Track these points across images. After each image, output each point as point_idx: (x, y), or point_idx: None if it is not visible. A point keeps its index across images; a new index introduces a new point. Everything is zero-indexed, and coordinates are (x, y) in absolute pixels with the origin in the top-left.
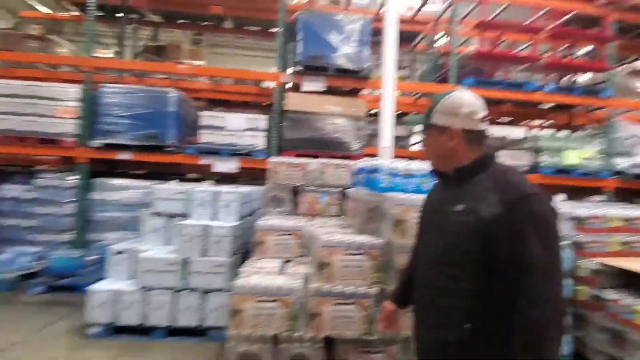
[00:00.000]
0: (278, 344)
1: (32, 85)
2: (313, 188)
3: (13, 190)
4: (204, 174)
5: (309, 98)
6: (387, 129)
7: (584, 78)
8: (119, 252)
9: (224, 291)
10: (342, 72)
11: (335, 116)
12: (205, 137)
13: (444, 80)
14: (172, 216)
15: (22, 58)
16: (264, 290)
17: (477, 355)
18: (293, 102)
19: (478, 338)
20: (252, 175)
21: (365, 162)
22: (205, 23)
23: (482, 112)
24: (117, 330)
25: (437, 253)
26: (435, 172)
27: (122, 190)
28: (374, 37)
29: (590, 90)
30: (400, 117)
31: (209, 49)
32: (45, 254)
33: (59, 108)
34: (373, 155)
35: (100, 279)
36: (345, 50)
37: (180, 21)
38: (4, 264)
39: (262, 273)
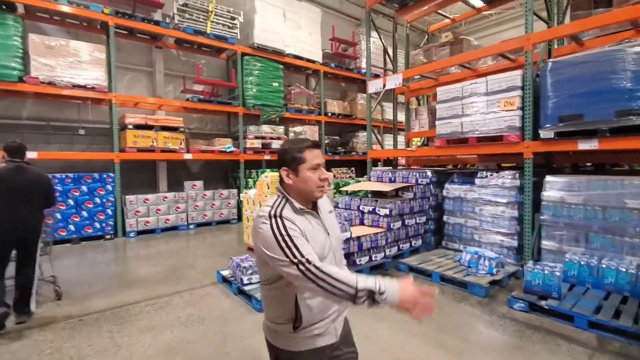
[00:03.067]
0: None
1: (470, 84)
2: None
3: (456, 190)
4: None
5: None
6: None
7: None
8: None
9: None
10: None
11: None
12: None
13: None
14: None
15: (450, 63)
16: None
17: None
18: None
19: None
20: None
21: None
22: None
23: None
24: None
25: None
26: None
27: (578, 189)
28: None
29: None
30: None
31: None
32: (503, 261)
33: (501, 101)
34: None
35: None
36: None
37: None
38: (471, 264)
39: None
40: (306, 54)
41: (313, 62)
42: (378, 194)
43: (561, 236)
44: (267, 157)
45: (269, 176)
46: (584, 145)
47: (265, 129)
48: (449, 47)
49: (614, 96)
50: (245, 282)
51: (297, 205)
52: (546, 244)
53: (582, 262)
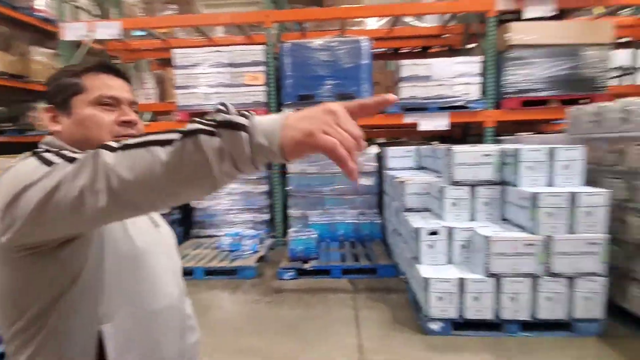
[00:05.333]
0: None
1: (215, 51)
2: None
3: None
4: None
5: (536, 27)
6: None
7: None
8: (433, 233)
9: (596, 276)
10: None
11: (575, 46)
12: (407, 91)
13: None
14: (474, 185)
15: (190, 21)
16: None
17: None
18: (519, 34)
19: None
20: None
21: None
22: None
23: None
24: (458, 324)
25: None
26: None
27: (316, 160)
28: None
29: None
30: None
31: None
32: (262, 236)
33: (245, 74)
34: (623, 95)
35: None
36: None
37: None
38: (234, 247)
39: None
40: None
41: None
42: None
43: (304, 203)
44: None
45: None
46: None
47: None
48: (178, 7)
49: (335, 81)
50: None
51: None
52: (293, 212)
53: (323, 222)
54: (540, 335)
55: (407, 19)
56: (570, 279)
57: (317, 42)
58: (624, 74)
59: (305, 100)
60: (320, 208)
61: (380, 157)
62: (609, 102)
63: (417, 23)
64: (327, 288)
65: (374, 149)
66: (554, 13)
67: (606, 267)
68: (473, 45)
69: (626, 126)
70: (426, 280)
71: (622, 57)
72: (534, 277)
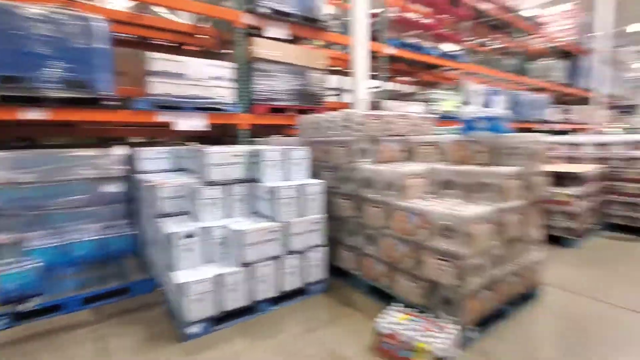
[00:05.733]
0: None
1: None
2: (390, 138)
3: None
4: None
5: (276, 45)
6: (363, 81)
7: (444, 47)
8: (189, 236)
9: (320, 247)
10: (306, 20)
11: (304, 67)
12: (160, 88)
13: (373, 39)
14: (227, 184)
15: None
16: None
17: None
18: (263, 49)
19: None
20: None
21: (473, 111)
22: None
23: None
24: (218, 320)
25: None
26: None
27: (32, 166)
28: None
29: (453, 55)
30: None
31: None
32: None
33: None
34: (334, 109)
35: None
36: None
37: None
38: None
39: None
40: None
41: None
42: None
43: (19, 223)
44: None
45: None
46: (31, 115)
47: None
48: None
49: (63, 64)
50: None
51: None
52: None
53: (52, 245)
54: (287, 305)
55: (159, 10)
56: (303, 253)
57: (30, 8)
58: (336, 94)
59: (12, 83)
60: (44, 228)
61: (131, 160)
62: (322, 114)
63: (173, 18)
64: (59, 328)
65: (121, 150)
66: (289, 37)
67: (325, 239)
68: (229, 51)
69: (330, 132)
70: (182, 286)
71: (334, 80)
72: (277, 258)
